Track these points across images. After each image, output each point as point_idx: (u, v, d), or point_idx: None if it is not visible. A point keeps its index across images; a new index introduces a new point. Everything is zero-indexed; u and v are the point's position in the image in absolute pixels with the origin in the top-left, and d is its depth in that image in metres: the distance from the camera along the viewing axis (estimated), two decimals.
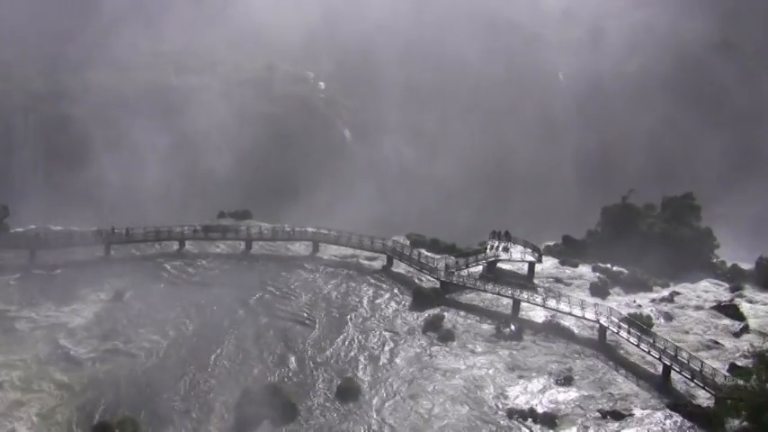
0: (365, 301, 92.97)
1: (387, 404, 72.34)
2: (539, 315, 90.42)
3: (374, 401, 72.69)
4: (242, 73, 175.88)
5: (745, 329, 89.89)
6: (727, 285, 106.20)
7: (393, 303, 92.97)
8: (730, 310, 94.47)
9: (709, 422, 69.14)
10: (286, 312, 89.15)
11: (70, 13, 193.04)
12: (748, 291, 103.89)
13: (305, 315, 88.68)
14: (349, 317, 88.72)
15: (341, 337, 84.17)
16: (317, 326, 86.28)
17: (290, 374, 77.00)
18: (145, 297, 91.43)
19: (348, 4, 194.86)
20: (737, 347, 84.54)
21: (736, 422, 68.11)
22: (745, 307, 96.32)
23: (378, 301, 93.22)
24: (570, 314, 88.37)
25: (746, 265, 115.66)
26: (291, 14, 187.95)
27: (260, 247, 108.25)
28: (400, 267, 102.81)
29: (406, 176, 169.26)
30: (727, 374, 75.02)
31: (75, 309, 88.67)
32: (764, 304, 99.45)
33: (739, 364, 77.68)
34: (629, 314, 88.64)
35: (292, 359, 79.53)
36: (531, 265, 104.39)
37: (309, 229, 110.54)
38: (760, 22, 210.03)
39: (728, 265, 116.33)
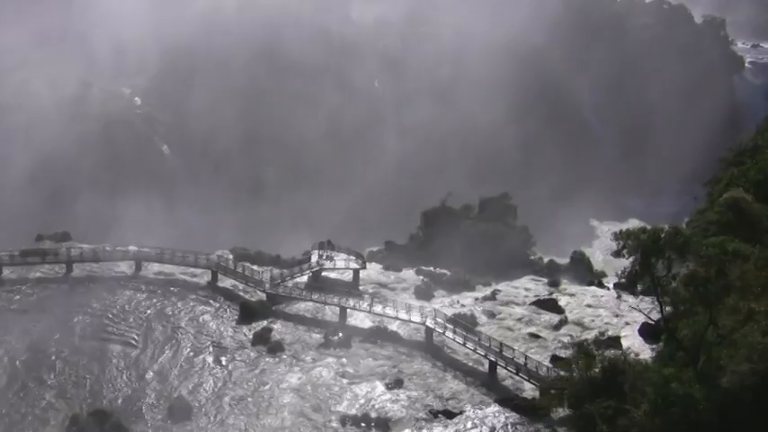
0: (192, 318, 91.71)
1: (219, 420, 72.03)
2: (366, 321, 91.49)
3: (206, 418, 72.30)
4: (54, 92, 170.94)
5: (564, 322, 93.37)
6: (545, 281, 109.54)
7: (220, 318, 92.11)
8: (549, 304, 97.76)
9: (535, 413, 71.67)
10: (112, 334, 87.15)
11: None
12: (565, 284, 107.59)
13: (131, 335, 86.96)
14: (176, 334, 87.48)
15: (169, 355, 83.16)
16: (144, 345, 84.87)
17: (120, 397, 75.75)
18: None
19: (166, 15, 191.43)
20: (558, 339, 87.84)
21: (561, 411, 71.09)
22: (562, 300, 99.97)
23: (205, 317, 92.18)
24: (397, 318, 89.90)
25: (562, 260, 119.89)
26: (107, 26, 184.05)
27: (81, 269, 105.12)
28: (226, 282, 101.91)
29: (232, 187, 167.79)
30: (549, 366, 77.91)
31: None
32: (581, 295, 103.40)
33: (560, 355, 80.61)
34: (453, 314, 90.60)
35: (120, 381, 78.21)
36: (356, 272, 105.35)
37: (131, 248, 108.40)
38: (569, 29, 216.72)
39: (546, 261, 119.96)
